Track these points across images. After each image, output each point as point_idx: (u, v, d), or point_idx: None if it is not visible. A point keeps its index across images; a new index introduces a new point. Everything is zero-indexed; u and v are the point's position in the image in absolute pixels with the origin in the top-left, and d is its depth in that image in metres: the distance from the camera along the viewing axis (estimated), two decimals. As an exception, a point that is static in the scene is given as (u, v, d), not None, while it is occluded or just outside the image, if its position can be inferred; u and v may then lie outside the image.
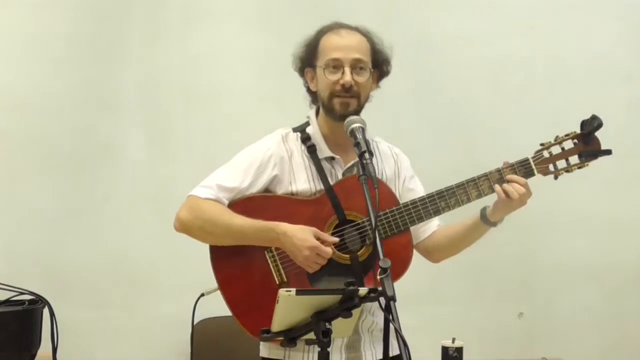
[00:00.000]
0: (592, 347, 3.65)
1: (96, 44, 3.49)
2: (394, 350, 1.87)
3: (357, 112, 2.18)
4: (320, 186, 2.22)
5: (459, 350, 2.63)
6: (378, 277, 1.70)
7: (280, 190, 2.23)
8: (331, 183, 2.22)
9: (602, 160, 2.22)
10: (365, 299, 1.72)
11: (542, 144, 2.20)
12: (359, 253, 2.18)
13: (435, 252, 2.38)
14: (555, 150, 2.20)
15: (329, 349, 1.74)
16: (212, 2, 3.60)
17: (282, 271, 2.18)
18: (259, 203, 2.22)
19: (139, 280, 3.50)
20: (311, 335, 1.76)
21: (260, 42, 3.55)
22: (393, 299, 1.67)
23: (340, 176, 2.25)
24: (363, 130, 2.02)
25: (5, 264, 3.34)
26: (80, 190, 3.47)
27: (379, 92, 2.34)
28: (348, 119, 2.07)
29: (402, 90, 3.42)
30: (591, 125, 2.17)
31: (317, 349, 1.75)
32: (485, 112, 3.67)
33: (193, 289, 2.73)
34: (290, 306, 1.71)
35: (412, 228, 2.22)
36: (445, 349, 2.64)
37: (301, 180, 2.23)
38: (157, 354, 3.51)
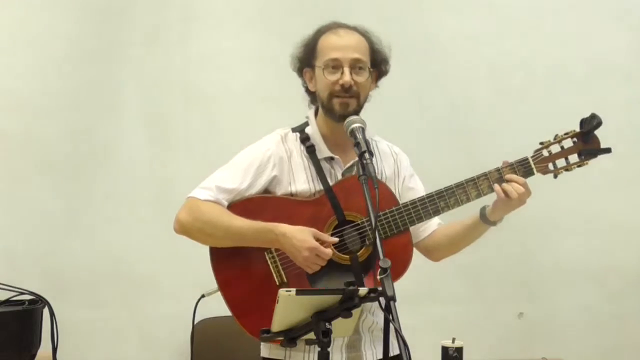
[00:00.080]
0: (592, 347, 3.65)
1: (96, 44, 3.49)
2: (394, 350, 1.88)
3: (356, 112, 2.18)
4: (319, 186, 2.22)
5: (459, 350, 2.63)
6: (378, 277, 1.70)
7: (280, 190, 2.23)
8: (331, 183, 2.22)
9: (602, 160, 2.22)
10: (365, 299, 1.72)
11: (541, 143, 2.20)
12: (358, 253, 2.18)
13: (435, 251, 2.38)
14: (555, 149, 2.20)
15: (329, 349, 1.74)
16: (212, 2, 3.60)
17: (282, 272, 2.18)
18: (258, 204, 2.22)
19: (139, 280, 3.50)
20: (311, 335, 1.76)
21: (260, 42, 3.55)
22: (393, 299, 1.67)
23: (339, 176, 2.25)
24: (363, 130, 2.02)
25: (5, 264, 3.34)
26: (80, 190, 3.47)
27: (380, 92, 2.34)
28: (348, 119, 2.07)
29: (402, 90, 3.42)
30: (590, 124, 2.17)
31: (317, 348, 1.75)
32: (485, 112, 3.67)
33: (193, 289, 2.72)
34: (290, 306, 1.71)
35: (412, 227, 2.22)
36: (445, 349, 2.64)
37: (300, 180, 2.23)
38: (157, 354, 3.51)
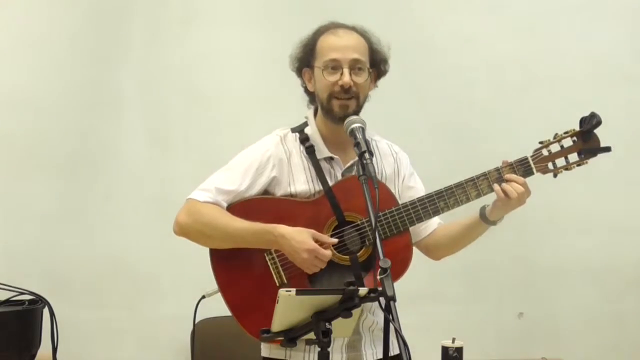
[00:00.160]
0: (592, 347, 3.65)
1: (96, 44, 3.50)
2: (394, 350, 1.88)
3: (356, 113, 2.18)
4: (319, 187, 2.21)
5: (459, 350, 2.63)
6: (378, 277, 1.70)
7: (279, 191, 2.23)
8: (330, 183, 2.21)
9: (602, 160, 2.22)
10: (365, 299, 1.72)
11: (541, 142, 2.20)
12: (358, 254, 2.18)
13: (436, 250, 2.38)
14: (555, 148, 2.20)
15: (329, 349, 1.74)
16: (212, 2, 3.60)
17: (281, 273, 2.18)
18: (258, 205, 2.22)
19: (139, 280, 3.50)
20: (311, 335, 1.76)
21: (261, 42, 3.55)
22: (393, 299, 1.67)
23: (339, 176, 2.25)
24: (363, 130, 2.02)
25: (5, 264, 3.34)
26: (80, 190, 3.47)
27: (380, 92, 2.34)
28: (348, 119, 2.07)
29: (402, 90, 3.42)
30: (590, 123, 2.16)
31: (317, 348, 1.75)
32: (485, 112, 3.67)
33: (193, 289, 2.72)
34: (290, 306, 1.71)
35: (412, 227, 2.22)
36: (445, 349, 2.64)
37: (300, 181, 2.23)
38: (157, 354, 3.51)
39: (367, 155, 1.91)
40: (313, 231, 2.12)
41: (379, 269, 1.70)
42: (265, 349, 2.28)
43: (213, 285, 2.25)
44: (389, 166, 2.33)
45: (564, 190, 3.40)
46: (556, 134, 2.20)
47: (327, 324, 1.73)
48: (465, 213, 2.28)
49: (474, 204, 2.23)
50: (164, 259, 3.46)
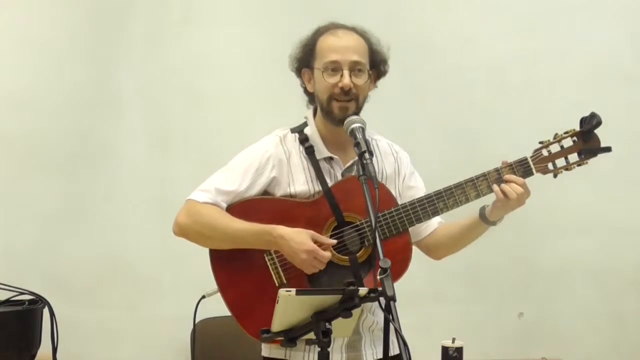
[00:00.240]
0: (592, 347, 3.65)
1: (96, 44, 3.50)
2: (394, 350, 1.88)
3: (355, 114, 2.17)
4: (318, 187, 2.21)
5: (459, 350, 2.63)
6: (378, 277, 1.70)
7: (279, 192, 2.23)
8: (330, 183, 2.21)
9: (602, 160, 2.22)
10: (365, 299, 1.72)
11: (541, 142, 2.20)
12: (357, 254, 2.18)
13: (436, 249, 2.38)
14: (554, 148, 2.19)
15: (329, 349, 1.74)
16: (212, 2, 3.60)
17: (281, 273, 2.18)
18: (258, 206, 2.22)
19: (139, 280, 3.50)
20: (311, 335, 1.76)
21: (260, 42, 3.55)
22: (393, 299, 1.67)
23: (339, 176, 2.25)
24: (363, 130, 2.02)
25: (5, 264, 3.34)
26: (80, 190, 3.47)
27: (380, 92, 2.33)
28: (348, 119, 2.07)
29: (402, 90, 3.42)
30: (590, 123, 2.16)
31: (317, 348, 1.75)
32: (485, 112, 3.66)
33: (193, 289, 2.73)
34: (290, 306, 1.71)
35: (412, 227, 2.22)
36: (445, 349, 2.64)
37: (300, 181, 2.23)
38: (157, 355, 3.51)
39: (367, 155, 1.91)
40: (312, 232, 2.12)
41: (379, 269, 1.70)
42: (265, 349, 2.28)
43: (213, 285, 2.25)
44: (390, 165, 2.33)
45: (564, 191, 3.41)
46: (556, 134, 2.19)
47: (327, 324, 1.73)
48: (466, 213, 2.28)
49: (476, 204, 2.23)
50: (164, 259, 3.46)
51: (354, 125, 2.03)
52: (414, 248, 2.30)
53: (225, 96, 3.57)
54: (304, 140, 2.26)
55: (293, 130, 2.30)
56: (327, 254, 2.11)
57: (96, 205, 3.49)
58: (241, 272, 2.20)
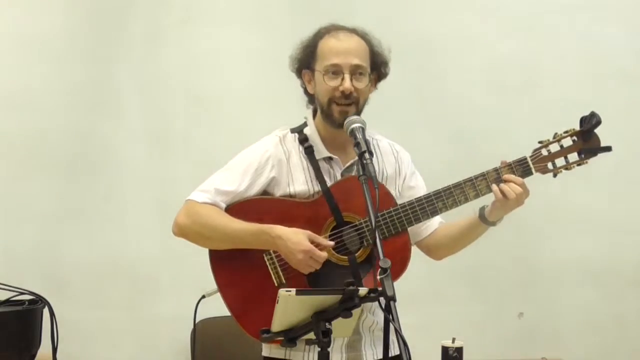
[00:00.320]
0: (592, 347, 3.65)
1: (96, 44, 3.50)
2: (394, 350, 1.88)
3: (355, 116, 2.18)
4: (318, 187, 2.21)
5: (459, 350, 2.63)
6: (378, 277, 1.70)
7: (278, 192, 2.23)
8: (330, 183, 2.21)
9: (602, 160, 2.21)
10: (365, 299, 1.72)
11: (540, 142, 2.19)
12: (357, 254, 2.17)
13: (437, 250, 2.38)
14: (554, 148, 2.18)
15: (329, 349, 1.74)
16: (212, 2, 3.60)
17: (280, 273, 2.18)
18: (257, 206, 2.22)
19: (139, 280, 3.50)
20: (311, 335, 1.76)
21: (261, 43, 3.55)
22: (393, 299, 1.67)
23: (339, 176, 2.25)
24: (363, 130, 2.02)
25: (5, 264, 3.34)
26: (80, 190, 3.47)
27: (380, 92, 2.33)
28: (348, 119, 2.07)
29: (402, 90, 3.41)
30: (590, 122, 2.15)
31: (317, 348, 1.75)
32: (484, 112, 3.66)
33: (193, 289, 2.72)
34: (290, 306, 1.71)
35: (413, 227, 2.21)
36: (445, 349, 2.64)
37: (299, 181, 2.22)
38: (157, 354, 3.51)
39: (367, 155, 1.91)
40: (309, 232, 2.12)
41: (379, 269, 1.70)
42: (265, 348, 2.28)
43: (213, 285, 2.25)
44: (390, 165, 2.33)
45: (563, 191, 3.41)
46: (556, 133, 2.19)
47: (327, 324, 1.73)
48: (466, 213, 2.28)
49: (477, 203, 2.23)
50: (164, 259, 3.46)
51: (354, 126, 2.03)
52: (414, 248, 2.30)
53: (225, 96, 3.57)
54: (303, 140, 2.26)
55: (293, 131, 2.29)
56: (324, 254, 2.11)
57: (96, 206, 3.49)
58: (241, 272, 2.20)
